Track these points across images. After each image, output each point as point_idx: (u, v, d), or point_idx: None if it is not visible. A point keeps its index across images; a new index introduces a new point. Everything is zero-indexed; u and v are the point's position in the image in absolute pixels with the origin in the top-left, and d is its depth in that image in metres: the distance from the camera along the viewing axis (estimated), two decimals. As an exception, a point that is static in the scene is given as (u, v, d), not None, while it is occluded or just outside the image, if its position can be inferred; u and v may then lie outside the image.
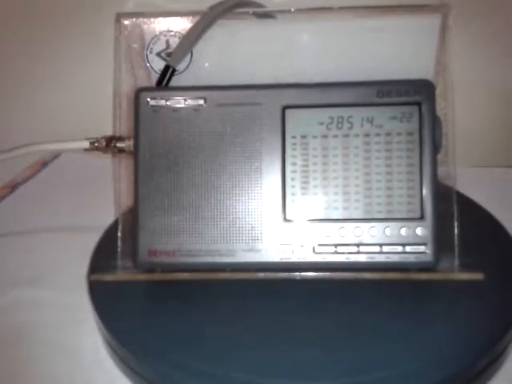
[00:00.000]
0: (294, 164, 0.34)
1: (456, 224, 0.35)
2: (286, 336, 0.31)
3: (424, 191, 0.33)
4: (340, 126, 0.34)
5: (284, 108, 0.34)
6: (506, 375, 0.31)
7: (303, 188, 0.34)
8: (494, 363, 0.31)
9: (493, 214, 0.42)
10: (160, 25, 0.38)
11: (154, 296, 0.35)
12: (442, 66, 0.36)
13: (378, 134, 0.34)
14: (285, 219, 0.34)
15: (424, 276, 0.34)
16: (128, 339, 0.31)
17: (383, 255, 0.33)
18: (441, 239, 0.34)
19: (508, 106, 0.55)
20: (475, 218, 0.40)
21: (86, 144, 0.38)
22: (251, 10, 0.38)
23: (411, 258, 0.33)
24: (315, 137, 0.34)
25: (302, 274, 0.34)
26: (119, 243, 0.37)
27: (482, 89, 0.55)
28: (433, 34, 0.36)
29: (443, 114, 0.36)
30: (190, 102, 0.35)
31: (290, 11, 0.37)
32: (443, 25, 0.36)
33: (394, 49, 0.37)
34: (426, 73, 0.36)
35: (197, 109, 0.35)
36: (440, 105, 0.36)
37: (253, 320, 0.32)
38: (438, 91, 0.36)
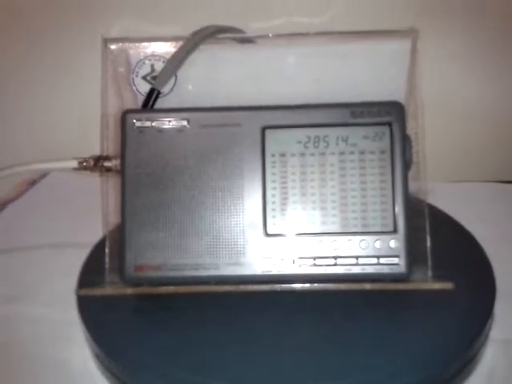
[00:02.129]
0: (273, 181, 0.36)
1: (428, 236, 0.37)
2: (268, 345, 0.32)
3: (396, 206, 0.35)
4: (317, 144, 0.36)
5: (264, 128, 0.36)
6: (477, 379, 0.33)
7: (283, 204, 0.36)
8: (465, 368, 0.32)
9: (464, 226, 0.44)
10: (145, 49, 0.39)
11: (141, 309, 0.36)
12: (412, 87, 0.39)
13: (352, 153, 0.36)
14: (266, 234, 0.36)
15: (397, 286, 0.35)
16: (116, 352, 0.32)
17: (359, 267, 0.35)
18: (414, 251, 0.36)
19: (478, 123, 0.58)
20: (447, 229, 0.42)
21: (75, 163, 0.40)
22: (232, 36, 0.40)
23: (385, 270, 0.35)
24: (293, 155, 0.36)
25: (283, 285, 0.36)
26: (107, 259, 0.38)
27: (452, 107, 0.57)
28: (403, 57, 0.38)
29: (414, 132, 0.38)
30: (174, 123, 0.37)
31: (268, 36, 0.39)
32: (413, 49, 0.38)
33: (366, 72, 0.39)
34: (397, 94, 0.38)
35: (181, 129, 0.37)
36: (411, 124, 0.38)
37: (237, 330, 0.34)
38: (409, 111, 0.38)
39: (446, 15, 0.54)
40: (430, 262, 0.36)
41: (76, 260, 0.42)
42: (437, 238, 0.37)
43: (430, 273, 0.36)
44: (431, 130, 0.39)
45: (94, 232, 0.43)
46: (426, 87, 0.38)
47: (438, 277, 0.36)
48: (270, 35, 0.39)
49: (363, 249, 0.35)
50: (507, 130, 0.58)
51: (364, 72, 0.39)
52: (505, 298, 0.37)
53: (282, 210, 0.36)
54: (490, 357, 0.35)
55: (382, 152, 0.36)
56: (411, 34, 0.38)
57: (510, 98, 0.58)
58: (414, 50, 0.38)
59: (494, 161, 0.59)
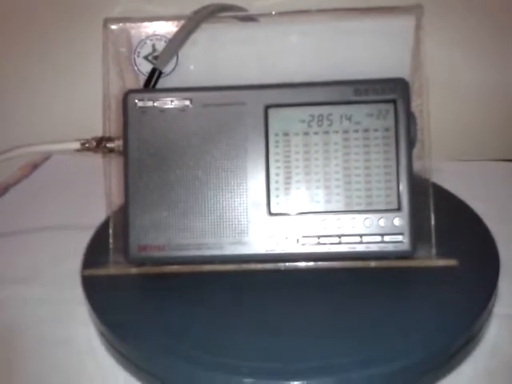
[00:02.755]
0: (277, 160, 0.36)
1: (432, 214, 0.37)
2: (272, 323, 0.33)
3: (400, 184, 0.35)
4: (320, 123, 0.36)
5: (267, 107, 0.36)
6: (481, 355, 0.33)
7: (286, 183, 0.36)
8: (468, 344, 0.33)
9: (468, 204, 0.43)
10: (146, 29, 0.39)
11: (145, 288, 0.36)
12: (417, 65, 0.38)
13: (356, 131, 0.36)
14: (269, 213, 0.36)
15: (402, 263, 0.35)
16: (121, 329, 0.33)
17: (363, 245, 0.35)
18: (418, 229, 0.36)
19: (484, 102, 0.58)
20: (451, 207, 0.42)
21: (77, 145, 0.39)
22: (234, 14, 0.40)
23: (390, 247, 0.35)
24: (297, 134, 0.36)
25: (287, 264, 0.36)
26: (111, 240, 0.38)
27: (459, 85, 0.57)
28: (407, 34, 0.38)
29: (418, 110, 0.38)
30: (176, 102, 0.36)
31: (271, 14, 0.39)
32: (417, 25, 0.38)
33: (371, 49, 0.38)
34: (402, 71, 0.38)
35: (183, 109, 0.36)
36: (416, 101, 0.38)
37: (241, 309, 0.34)
38: (413, 88, 0.37)
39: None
40: (434, 239, 0.36)
41: (80, 241, 0.42)
42: (441, 216, 0.36)
43: (434, 250, 0.36)
44: (435, 108, 0.38)
45: (97, 213, 0.44)
46: (431, 64, 0.38)
47: (442, 254, 0.36)
48: (273, 13, 0.39)
49: (367, 227, 0.35)
50: (510, 108, 0.57)
51: (368, 49, 0.38)
52: (509, 274, 0.37)
53: (286, 189, 0.36)
54: (493, 332, 0.35)
55: (387, 130, 0.36)
56: (416, 10, 0.38)
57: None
58: (418, 27, 0.38)
59: (499, 139, 0.58)
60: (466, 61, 0.56)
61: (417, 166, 0.37)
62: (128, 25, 0.39)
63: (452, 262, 0.35)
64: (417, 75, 0.38)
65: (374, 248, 0.35)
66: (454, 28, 0.54)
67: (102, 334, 0.34)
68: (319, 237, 0.35)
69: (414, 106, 0.37)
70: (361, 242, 0.35)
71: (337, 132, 0.36)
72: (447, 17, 0.53)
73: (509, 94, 0.58)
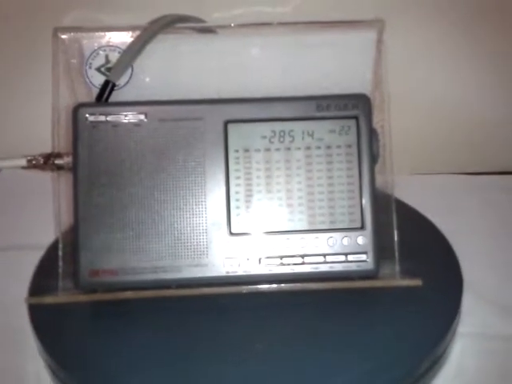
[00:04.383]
0: (237, 178, 0.34)
1: (395, 231, 0.36)
2: (234, 349, 0.31)
3: (363, 201, 0.34)
4: (282, 139, 0.35)
5: (226, 122, 0.35)
6: (446, 375, 0.33)
7: (247, 201, 0.34)
8: (434, 365, 0.32)
9: (429, 219, 0.43)
10: (99, 39, 0.37)
11: (96, 317, 0.34)
12: (378, 80, 0.38)
13: (318, 147, 0.35)
14: (230, 233, 0.34)
15: (366, 284, 0.35)
16: (69, 362, 0.30)
17: (327, 265, 0.34)
18: (381, 246, 0.35)
19: (443, 115, 0.58)
20: (411, 223, 0.42)
21: (23, 162, 0.37)
22: (192, 25, 0.38)
23: (353, 267, 0.34)
24: (258, 150, 0.35)
25: (249, 287, 0.35)
26: (60, 263, 0.35)
27: (420, 99, 0.57)
28: (368, 48, 0.37)
29: (380, 126, 0.37)
30: (130, 117, 0.35)
31: (230, 26, 0.38)
32: (378, 39, 0.37)
33: (332, 63, 0.38)
34: (363, 86, 0.37)
35: (138, 124, 0.34)
36: (377, 117, 0.37)
37: (200, 336, 0.32)
38: (375, 104, 0.37)
39: (414, 7, 0.54)
40: (397, 257, 0.36)
41: (29, 263, 0.39)
42: (402, 232, 0.36)
43: (397, 268, 0.36)
44: (395, 122, 0.38)
45: (48, 233, 0.41)
46: (392, 79, 0.37)
47: (405, 272, 0.36)
48: (232, 25, 0.38)
49: (331, 246, 0.34)
50: (471, 122, 0.58)
51: (329, 63, 0.38)
52: (470, 291, 0.36)
53: (247, 207, 0.34)
54: (457, 352, 0.34)
55: (349, 146, 0.35)
56: (377, 24, 0.37)
57: (478, 90, 0.58)
58: (379, 41, 0.37)
59: (460, 153, 0.59)
60: (427, 75, 0.57)
61: (378, 181, 0.36)
62: (79, 34, 0.38)
63: (416, 282, 0.34)
64: (378, 90, 0.38)
65: (337, 268, 0.34)
66: (415, 42, 0.55)
67: (49, 367, 0.32)
68: (282, 257, 0.34)
69: (376, 121, 0.37)
70: (324, 262, 0.34)
71: (299, 148, 0.35)
72: (409, 30, 0.53)
73: (467, 109, 0.58)
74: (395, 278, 0.35)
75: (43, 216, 0.44)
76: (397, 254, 0.36)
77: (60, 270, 0.35)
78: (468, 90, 0.58)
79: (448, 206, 0.49)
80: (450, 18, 0.55)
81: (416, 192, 0.46)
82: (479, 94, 0.58)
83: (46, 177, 0.43)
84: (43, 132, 0.41)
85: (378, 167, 0.36)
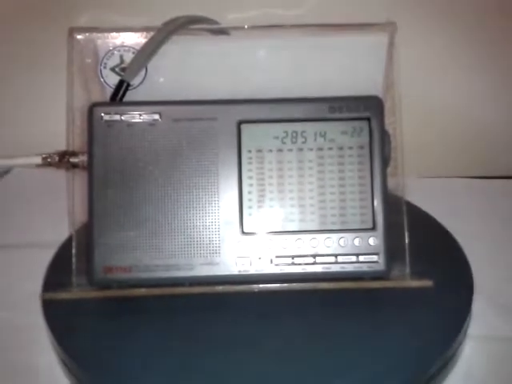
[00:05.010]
0: (250, 178, 0.35)
1: (406, 233, 0.36)
2: (246, 348, 0.31)
3: (375, 202, 0.35)
4: (294, 140, 0.35)
5: (240, 123, 0.35)
6: (456, 378, 0.33)
7: (260, 201, 0.35)
8: (445, 367, 0.32)
9: (439, 221, 0.43)
10: (114, 40, 0.38)
11: (110, 313, 0.34)
12: (390, 82, 0.38)
13: (330, 148, 0.35)
14: (242, 232, 0.34)
15: (377, 284, 0.35)
16: (84, 359, 0.31)
17: (338, 265, 0.34)
18: (392, 248, 0.35)
19: (451, 119, 0.58)
20: (422, 225, 0.42)
21: (38, 159, 0.37)
22: (206, 27, 0.39)
23: (364, 268, 0.34)
24: (270, 151, 0.35)
25: (260, 285, 0.35)
26: (74, 260, 0.36)
27: (429, 103, 0.57)
28: (381, 51, 0.38)
29: (392, 128, 0.37)
30: (145, 116, 0.35)
31: (243, 28, 0.38)
32: (390, 42, 0.37)
33: (344, 65, 0.38)
34: (375, 89, 0.37)
35: (152, 124, 0.35)
36: (389, 119, 0.37)
37: (212, 334, 0.32)
38: (386, 106, 0.37)
39: (426, 11, 0.54)
40: (408, 258, 0.36)
41: (42, 261, 0.39)
42: (413, 234, 0.36)
43: (408, 270, 0.36)
44: (406, 125, 0.38)
45: (60, 231, 0.41)
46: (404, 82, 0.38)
47: (415, 273, 0.36)
48: (245, 27, 0.38)
49: (342, 246, 0.34)
50: (474, 127, 0.58)
51: (341, 65, 0.38)
52: (480, 292, 0.36)
53: (259, 207, 0.35)
54: (467, 354, 0.34)
55: (361, 147, 0.35)
56: (389, 27, 0.37)
57: (487, 95, 0.58)
58: (391, 44, 0.37)
59: (469, 157, 0.59)
60: (431, 79, 0.57)
61: (390, 183, 0.37)
62: (95, 35, 0.38)
63: (427, 283, 0.35)
64: (390, 93, 0.38)
65: (349, 268, 0.34)
66: (422, 47, 0.55)
67: (63, 362, 0.32)
68: (293, 257, 0.34)
69: (388, 123, 0.37)
70: (336, 262, 0.34)
71: (311, 149, 0.35)
72: (419, 34, 0.53)
73: (471, 113, 0.59)
74: (406, 279, 0.35)
75: (54, 214, 0.45)
76: (407, 255, 0.36)
77: (74, 267, 0.36)
78: (472, 94, 0.58)
79: (450, 210, 0.49)
80: (455, 23, 0.55)
81: (423, 195, 0.46)
82: (484, 99, 0.58)
83: (57, 175, 0.43)
84: (57, 131, 0.41)
85: (388, 170, 0.36)
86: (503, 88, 0.57)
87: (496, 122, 0.59)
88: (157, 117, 0.35)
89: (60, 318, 0.34)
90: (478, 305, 0.36)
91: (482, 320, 0.36)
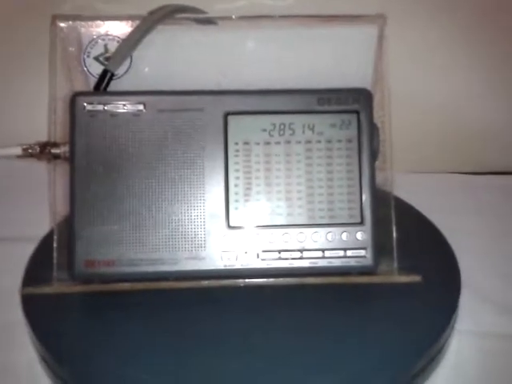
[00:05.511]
0: (236, 170, 0.34)
1: (394, 228, 0.36)
2: (230, 343, 0.31)
3: (363, 197, 0.34)
4: (282, 132, 0.34)
5: (226, 114, 0.34)
6: (443, 372, 0.33)
7: (246, 194, 0.34)
8: (432, 361, 0.32)
9: (427, 217, 0.43)
10: (98, 28, 0.37)
11: (92, 308, 0.33)
12: (379, 75, 0.38)
13: (318, 141, 0.34)
14: (228, 226, 0.34)
15: (364, 279, 0.34)
16: (65, 356, 0.30)
17: (325, 260, 0.34)
18: (380, 243, 0.35)
19: (443, 115, 0.58)
20: (410, 220, 0.42)
21: (19, 150, 0.36)
22: (192, 16, 0.38)
23: (352, 262, 0.34)
24: (258, 143, 0.34)
25: (246, 280, 0.34)
26: (55, 254, 0.35)
27: (420, 98, 0.57)
28: (370, 43, 0.37)
29: (380, 121, 0.37)
30: (129, 107, 0.34)
31: (231, 18, 0.37)
32: (380, 35, 0.37)
33: (332, 57, 0.38)
34: (364, 81, 0.37)
35: (137, 114, 0.34)
36: (377, 113, 0.37)
37: (198, 329, 0.32)
38: (375, 99, 0.37)
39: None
40: (395, 253, 0.36)
41: (22, 255, 0.38)
42: (400, 228, 0.36)
43: (395, 264, 0.36)
44: (396, 119, 0.38)
45: (41, 224, 0.40)
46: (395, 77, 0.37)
47: (402, 268, 0.35)
48: (233, 17, 0.37)
49: (330, 241, 0.34)
50: (467, 122, 0.59)
51: (330, 57, 0.38)
52: (466, 287, 0.36)
53: (246, 200, 0.34)
54: (454, 349, 0.34)
55: (349, 141, 0.35)
56: (378, 19, 0.37)
57: (476, 90, 0.58)
58: (381, 37, 0.37)
59: (458, 152, 0.59)
60: (425, 74, 0.57)
61: (379, 178, 0.36)
62: (78, 23, 0.37)
63: (416, 278, 0.34)
64: (379, 86, 0.38)
65: (336, 263, 0.34)
66: (416, 41, 0.55)
67: (43, 360, 0.31)
68: (280, 251, 0.34)
69: (376, 117, 0.36)
70: (323, 257, 0.34)
71: (299, 142, 0.34)
72: (410, 30, 0.53)
73: (464, 108, 0.59)
74: (394, 274, 0.35)
75: (35, 208, 0.44)
76: (395, 250, 0.36)
77: (55, 261, 0.35)
78: (466, 90, 0.58)
79: (443, 205, 0.49)
80: (451, 19, 0.55)
81: (411, 190, 0.46)
82: (477, 94, 0.58)
83: (38, 167, 0.42)
84: (38, 121, 0.40)
85: (376, 164, 0.36)
86: (499, 83, 0.57)
87: (491, 117, 0.59)
88: (141, 107, 0.34)
89: (40, 313, 0.33)
90: (467, 300, 0.36)
91: (469, 315, 0.36)
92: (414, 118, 0.57)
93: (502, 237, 0.46)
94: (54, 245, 0.35)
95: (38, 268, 0.37)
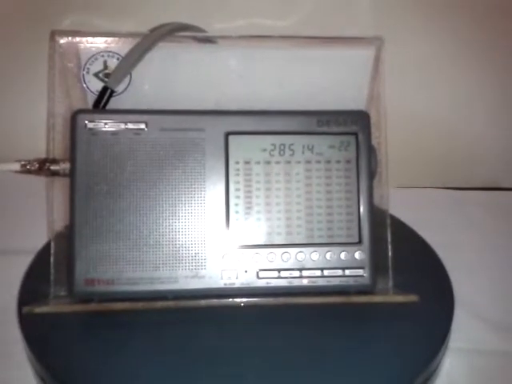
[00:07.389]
0: (237, 189, 0.34)
1: (389, 247, 0.37)
2: (230, 362, 0.31)
3: (361, 217, 0.35)
4: (282, 152, 0.35)
5: (227, 134, 0.34)
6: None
7: (247, 213, 0.34)
8: (427, 381, 0.32)
9: (418, 233, 0.44)
10: (97, 44, 0.37)
11: (91, 328, 0.33)
12: (376, 96, 0.38)
13: (318, 162, 0.35)
14: (228, 245, 0.34)
15: (362, 299, 0.35)
16: (62, 373, 0.30)
17: (324, 279, 0.34)
18: (376, 262, 0.35)
19: (431, 131, 0.59)
20: (401, 237, 0.42)
21: (17, 166, 0.36)
22: (193, 35, 0.38)
23: (350, 282, 0.34)
24: (258, 163, 0.35)
25: (246, 299, 0.35)
26: (52, 269, 0.35)
27: (407, 114, 0.58)
28: (366, 65, 0.38)
29: (377, 142, 0.38)
30: (130, 125, 0.34)
31: (230, 37, 0.38)
32: (377, 57, 0.38)
33: (330, 78, 0.38)
34: (359, 102, 0.38)
35: (138, 133, 0.34)
36: (374, 133, 0.38)
37: (197, 348, 0.32)
38: (372, 121, 0.37)
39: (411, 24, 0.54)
40: (391, 272, 0.36)
41: (18, 268, 0.38)
42: (392, 246, 0.36)
43: (391, 283, 0.36)
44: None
45: (38, 237, 0.40)
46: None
47: (397, 287, 0.36)
48: (233, 36, 0.38)
49: (328, 260, 0.34)
50: (455, 138, 0.60)
51: (327, 78, 0.38)
52: (459, 305, 0.37)
53: (246, 219, 0.34)
54: (448, 367, 0.35)
55: (348, 162, 0.35)
56: (376, 42, 0.38)
57: (465, 108, 0.59)
58: (377, 59, 0.38)
59: (446, 168, 0.60)
60: (413, 90, 0.57)
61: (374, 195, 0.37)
62: (78, 39, 0.37)
63: (412, 298, 0.35)
64: (375, 107, 0.38)
65: (334, 282, 0.34)
66: (404, 56, 0.56)
67: (40, 379, 0.31)
68: (280, 270, 0.34)
69: (373, 137, 0.37)
70: (322, 276, 0.34)
71: (299, 162, 0.35)
72: (402, 44, 0.54)
73: (452, 124, 0.60)
74: (391, 294, 0.35)
75: (33, 220, 0.44)
76: (390, 269, 0.36)
77: (52, 277, 0.34)
78: (454, 106, 0.59)
79: (430, 221, 0.50)
80: (437, 36, 0.56)
81: (399, 206, 0.47)
82: (465, 110, 0.59)
83: (36, 180, 0.42)
84: (37, 137, 0.40)
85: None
86: (488, 98, 0.59)
87: (479, 132, 0.60)
88: (143, 126, 0.34)
89: (38, 331, 0.32)
90: (458, 317, 0.37)
91: (463, 333, 0.37)
92: (402, 134, 0.58)
93: (491, 252, 0.47)
94: (52, 260, 0.35)
95: (34, 283, 0.36)
